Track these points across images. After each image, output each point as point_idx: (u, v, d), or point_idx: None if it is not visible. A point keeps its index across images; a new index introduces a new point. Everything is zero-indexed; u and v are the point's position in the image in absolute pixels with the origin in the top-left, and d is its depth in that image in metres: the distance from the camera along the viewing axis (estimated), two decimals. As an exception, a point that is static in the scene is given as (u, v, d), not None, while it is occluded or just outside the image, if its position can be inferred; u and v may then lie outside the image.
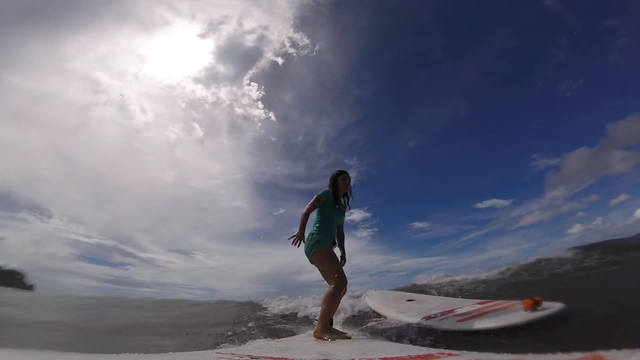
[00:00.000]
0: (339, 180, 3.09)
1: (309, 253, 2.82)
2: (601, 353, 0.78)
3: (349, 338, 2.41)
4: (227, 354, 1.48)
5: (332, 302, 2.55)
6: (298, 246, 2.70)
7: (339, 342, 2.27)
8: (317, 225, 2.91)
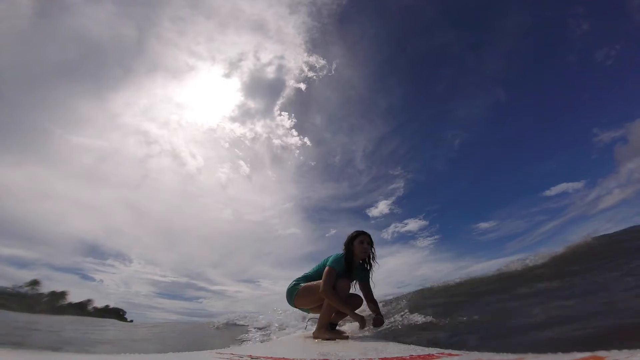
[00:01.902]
0: (355, 245, 2.71)
1: (291, 303, 2.78)
2: (601, 353, 0.78)
3: (348, 338, 2.42)
4: (227, 353, 1.48)
5: (327, 307, 2.53)
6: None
7: (339, 342, 2.27)
8: (303, 277, 2.80)
